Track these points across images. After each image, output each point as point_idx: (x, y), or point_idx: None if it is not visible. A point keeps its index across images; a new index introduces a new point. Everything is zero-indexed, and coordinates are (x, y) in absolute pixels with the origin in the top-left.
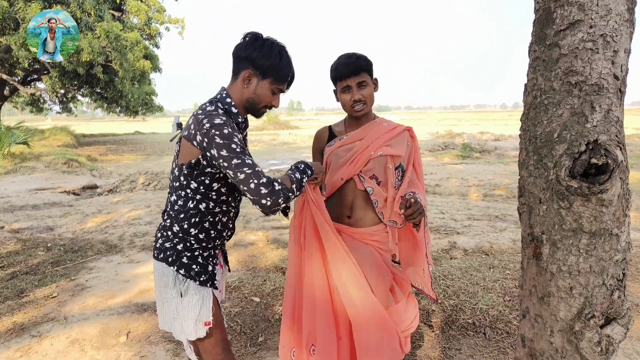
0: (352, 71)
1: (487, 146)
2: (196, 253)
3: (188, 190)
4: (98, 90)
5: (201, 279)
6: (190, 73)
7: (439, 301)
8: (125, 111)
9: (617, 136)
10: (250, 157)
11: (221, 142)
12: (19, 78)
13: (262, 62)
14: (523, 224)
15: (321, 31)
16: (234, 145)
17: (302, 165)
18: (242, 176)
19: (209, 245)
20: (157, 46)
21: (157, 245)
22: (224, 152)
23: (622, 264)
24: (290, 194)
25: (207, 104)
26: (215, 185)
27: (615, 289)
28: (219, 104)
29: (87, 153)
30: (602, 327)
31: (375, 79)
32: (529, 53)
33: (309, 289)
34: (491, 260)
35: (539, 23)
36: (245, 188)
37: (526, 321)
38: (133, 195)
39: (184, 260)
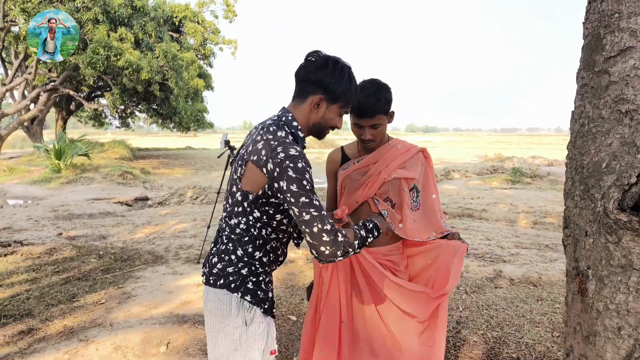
0: (369, 114)
1: (539, 171)
2: (260, 278)
3: (250, 217)
4: (154, 107)
5: (265, 306)
6: (240, 91)
7: (481, 332)
8: (178, 127)
9: None
10: (318, 197)
11: (294, 176)
12: (84, 94)
13: (335, 87)
14: (568, 257)
15: (369, 49)
16: (305, 182)
17: (371, 225)
18: (307, 217)
19: (269, 270)
20: (210, 65)
21: (215, 271)
22: (293, 187)
23: None
24: (350, 250)
25: (274, 127)
26: (278, 217)
27: None
28: (286, 128)
29: (141, 166)
30: None
31: (392, 113)
32: (576, 79)
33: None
34: (539, 292)
35: (588, 49)
36: (307, 230)
37: None
38: (181, 209)
39: (249, 285)
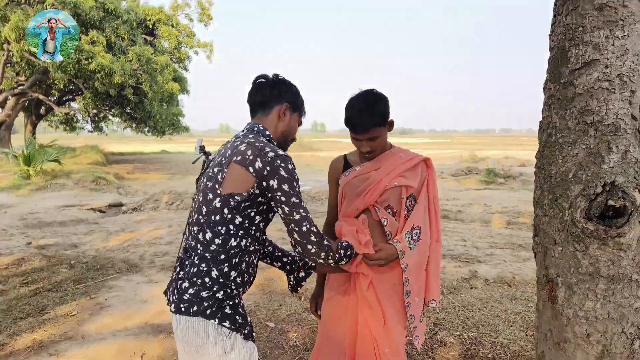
0: (362, 129)
1: (512, 172)
2: (236, 300)
3: (231, 226)
4: (128, 111)
5: (245, 331)
6: (217, 95)
7: (457, 333)
8: (152, 131)
9: (635, 178)
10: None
11: (286, 175)
12: (55, 98)
13: (294, 98)
14: (538, 264)
15: (346, 52)
16: (295, 183)
17: (350, 249)
18: (297, 216)
19: (242, 292)
20: (185, 69)
21: (186, 297)
22: (285, 187)
23: None
24: (330, 258)
25: (252, 134)
26: (257, 219)
27: (636, 337)
28: (262, 137)
29: (115, 171)
30: None
31: (391, 122)
32: (543, 90)
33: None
34: (513, 291)
35: (554, 61)
36: (296, 228)
37: None
38: (156, 214)
39: (227, 310)
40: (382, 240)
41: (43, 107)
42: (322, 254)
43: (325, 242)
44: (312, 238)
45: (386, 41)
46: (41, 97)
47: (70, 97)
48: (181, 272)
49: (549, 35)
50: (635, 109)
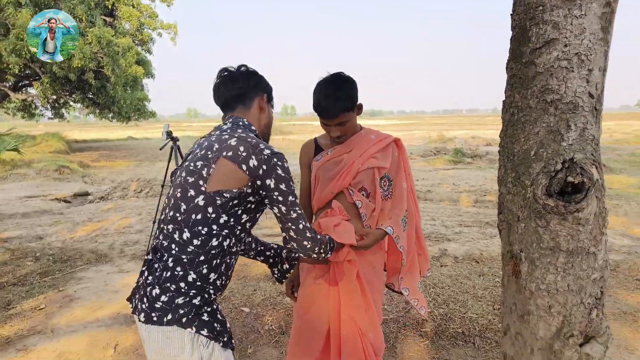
0: (331, 115)
1: (479, 151)
2: (214, 306)
3: (214, 226)
4: (90, 96)
5: (224, 338)
6: (183, 78)
7: (429, 310)
8: (117, 117)
9: (592, 155)
10: None
11: (283, 175)
12: (10, 84)
13: (268, 88)
14: (503, 241)
15: (314, 33)
16: (291, 182)
17: (333, 243)
18: (294, 215)
19: (219, 296)
20: (149, 52)
21: (158, 305)
22: (282, 186)
23: (600, 282)
24: (322, 251)
25: (240, 130)
26: (244, 218)
27: (593, 307)
28: (250, 132)
29: (79, 159)
30: (581, 345)
31: (359, 105)
32: (506, 70)
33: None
34: (481, 267)
35: (516, 41)
36: (293, 227)
37: (507, 339)
38: (125, 203)
39: (205, 317)
40: (357, 222)
41: None
42: (316, 249)
43: (319, 237)
44: (308, 234)
45: (356, 23)
46: None
47: (27, 82)
48: (150, 277)
49: (511, 15)
50: (592, 87)
